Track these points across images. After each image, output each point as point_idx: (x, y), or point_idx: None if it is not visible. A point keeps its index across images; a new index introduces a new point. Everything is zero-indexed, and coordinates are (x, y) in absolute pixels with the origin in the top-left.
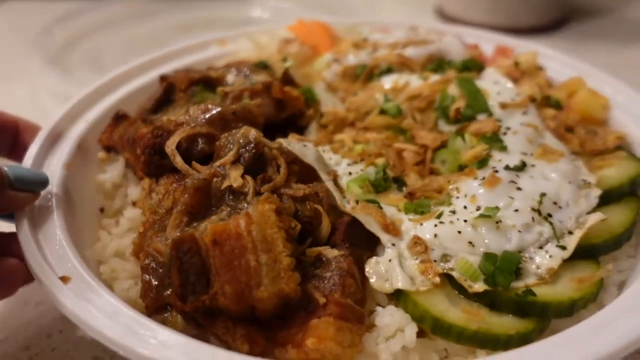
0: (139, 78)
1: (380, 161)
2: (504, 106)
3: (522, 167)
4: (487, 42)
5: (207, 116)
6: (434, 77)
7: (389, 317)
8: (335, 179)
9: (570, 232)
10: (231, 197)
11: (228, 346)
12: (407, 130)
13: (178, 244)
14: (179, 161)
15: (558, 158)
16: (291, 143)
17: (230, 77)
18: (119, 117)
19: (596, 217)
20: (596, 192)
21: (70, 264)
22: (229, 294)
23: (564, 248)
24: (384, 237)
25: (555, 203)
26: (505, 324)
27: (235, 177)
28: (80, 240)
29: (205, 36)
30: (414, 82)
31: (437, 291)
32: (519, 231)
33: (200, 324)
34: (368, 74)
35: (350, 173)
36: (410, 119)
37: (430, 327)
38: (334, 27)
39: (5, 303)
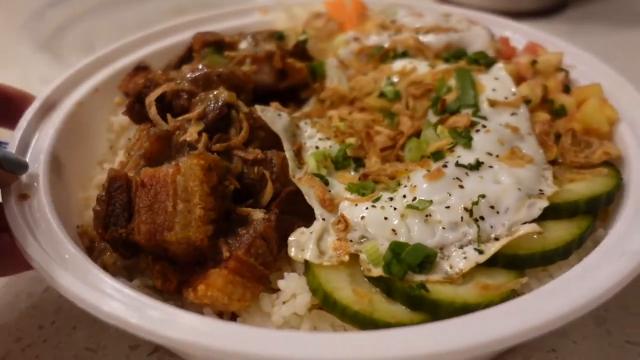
0: (175, 36)
1: (351, 140)
2: (492, 104)
3: (476, 166)
4: (522, 37)
5: (194, 75)
6: (443, 66)
7: (288, 282)
8: (299, 151)
9: (497, 239)
10: (188, 149)
11: (151, 281)
12: (396, 115)
13: (112, 180)
14: (152, 111)
15: (524, 164)
16: (265, 110)
17: (244, 44)
18: (139, 68)
19: (528, 228)
20: (542, 204)
21: (36, 182)
22: (142, 231)
23: (481, 252)
24: (318, 210)
25: (492, 207)
26: (391, 311)
27: (191, 132)
28: (72, 169)
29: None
30: (422, 68)
31: (342, 269)
32: (443, 228)
33: (124, 255)
34: (382, 56)
35: (317, 147)
36: (403, 105)
37: (321, 300)
38: (370, 6)
39: None
